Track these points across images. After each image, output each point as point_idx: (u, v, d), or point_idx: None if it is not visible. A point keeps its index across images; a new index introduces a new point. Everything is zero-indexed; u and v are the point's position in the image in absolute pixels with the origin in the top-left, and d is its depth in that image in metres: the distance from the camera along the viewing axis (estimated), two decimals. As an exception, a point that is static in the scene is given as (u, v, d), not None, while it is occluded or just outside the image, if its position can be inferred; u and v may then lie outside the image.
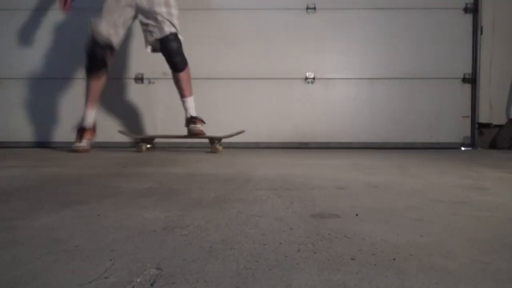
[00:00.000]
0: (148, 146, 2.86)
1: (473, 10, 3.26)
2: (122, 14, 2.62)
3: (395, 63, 3.31)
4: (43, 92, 3.35)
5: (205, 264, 0.64)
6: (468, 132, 3.29)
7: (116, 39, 2.67)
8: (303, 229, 0.84)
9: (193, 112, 2.72)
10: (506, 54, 3.30)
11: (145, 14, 2.62)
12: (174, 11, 2.65)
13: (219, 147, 2.76)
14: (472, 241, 0.77)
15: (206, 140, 2.86)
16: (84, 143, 2.69)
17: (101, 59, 2.66)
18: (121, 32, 2.69)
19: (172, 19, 2.62)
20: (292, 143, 3.28)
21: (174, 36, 2.62)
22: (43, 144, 3.30)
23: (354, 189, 1.33)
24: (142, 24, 2.68)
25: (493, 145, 3.32)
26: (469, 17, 3.27)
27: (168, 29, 2.58)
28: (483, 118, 3.30)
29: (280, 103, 3.32)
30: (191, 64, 3.39)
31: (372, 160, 2.32)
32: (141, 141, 2.85)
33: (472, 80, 3.28)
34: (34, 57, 3.34)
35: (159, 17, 2.58)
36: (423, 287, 0.56)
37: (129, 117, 3.34)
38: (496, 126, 3.32)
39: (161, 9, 2.59)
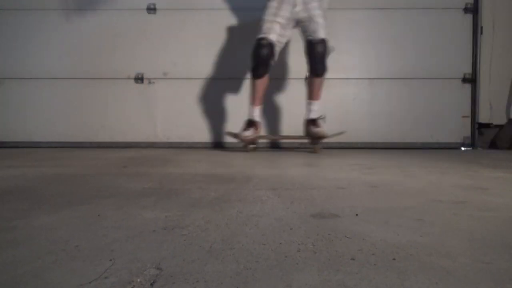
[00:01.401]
0: (254, 146, 2.86)
1: (473, 10, 3.26)
2: (282, 22, 2.68)
3: (395, 63, 3.31)
4: (43, 92, 3.35)
5: (205, 264, 0.64)
6: (468, 132, 3.30)
7: (279, 40, 2.73)
8: (303, 229, 0.84)
9: (315, 115, 2.78)
10: (506, 54, 3.30)
11: (303, 25, 2.71)
12: (324, 13, 2.73)
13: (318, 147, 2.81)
14: (472, 241, 0.77)
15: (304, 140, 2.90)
16: (249, 133, 2.71)
17: (267, 61, 2.70)
18: (286, 33, 2.74)
19: (324, 22, 2.69)
20: (292, 143, 3.28)
21: (324, 43, 2.68)
22: (43, 144, 3.30)
23: (354, 189, 1.33)
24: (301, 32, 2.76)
25: (493, 145, 3.32)
26: (469, 17, 3.28)
27: (320, 34, 2.65)
28: (483, 118, 3.30)
29: (280, 103, 3.32)
30: (192, 64, 3.40)
31: (372, 160, 2.32)
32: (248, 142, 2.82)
33: (472, 80, 3.28)
34: (34, 57, 3.34)
35: (314, 20, 2.65)
36: (423, 287, 0.56)
37: (129, 117, 3.34)
38: (496, 126, 3.32)
39: (317, 12, 2.67)
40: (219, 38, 3.31)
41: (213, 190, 1.29)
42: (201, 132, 3.31)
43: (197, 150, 3.06)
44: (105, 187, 1.37)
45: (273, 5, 2.68)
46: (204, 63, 3.30)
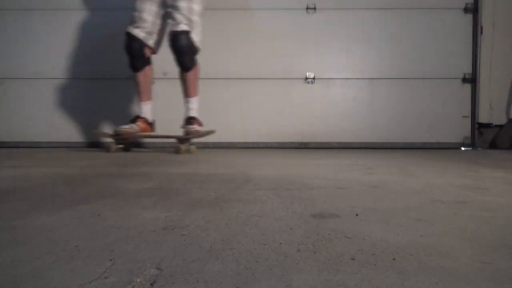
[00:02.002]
0: (120, 146, 2.80)
1: (473, 10, 3.26)
2: (151, 9, 2.60)
3: (395, 63, 3.31)
4: (43, 92, 3.35)
5: (205, 264, 0.64)
6: (468, 132, 3.30)
7: (152, 36, 2.66)
8: (303, 229, 0.84)
9: (193, 113, 2.71)
10: (506, 54, 3.30)
11: (167, 7, 2.60)
12: (196, 7, 2.61)
13: (189, 147, 2.71)
14: (472, 241, 0.77)
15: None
16: (128, 126, 2.66)
17: (140, 53, 2.65)
18: (154, 29, 2.66)
19: (191, 16, 2.57)
20: (292, 143, 3.28)
21: (186, 34, 2.56)
22: (43, 144, 3.30)
23: (354, 189, 1.33)
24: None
25: (493, 145, 3.32)
26: (469, 17, 3.28)
27: (181, 26, 2.54)
28: (483, 118, 3.30)
29: (280, 103, 3.32)
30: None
31: (372, 160, 2.32)
32: (114, 141, 2.78)
33: (472, 80, 3.28)
34: (34, 57, 3.35)
35: (177, 13, 2.54)
36: (423, 287, 0.56)
37: (129, 117, 3.34)
38: (496, 126, 3.32)
39: (182, 4, 2.54)
40: (219, 38, 3.31)
41: (213, 190, 1.29)
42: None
43: (197, 150, 3.05)
44: (105, 187, 1.37)
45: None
46: (203, 63, 3.30)
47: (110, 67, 3.34)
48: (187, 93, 2.71)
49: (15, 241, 0.76)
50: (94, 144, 3.31)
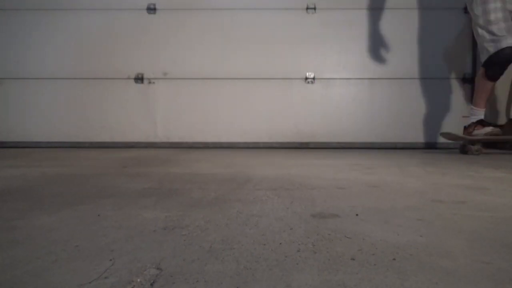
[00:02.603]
0: (478, 147, 2.75)
1: (473, 10, 3.26)
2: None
3: (395, 63, 3.31)
4: (43, 92, 3.35)
5: (205, 264, 0.64)
6: (468, 132, 3.29)
7: None
8: (303, 229, 0.84)
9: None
10: (506, 54, 3.30)
11: None
12: None
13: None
14: (472, 241, 0.77)
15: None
16: (490, 128, 2.66)
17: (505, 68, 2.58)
18: None
19: None
20: (292, 143, 3.28)
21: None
22: (43, 144, 3.30)
23: (354, 189, 1.33)
24: None
25: (493, 145, 3.31)
26: (469, 17, 3.27)
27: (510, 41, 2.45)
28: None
29: (280, 103, 3.32)
30: (192, 64, 3.40)
31: (372, 160, 2.32)
32: (468, 143, 2.75)
33: (472, 80, 3.28)
34: (34, 57, 3.35)
35: None
36: (423, 287, 0.56)
37: (129, 117, 3.34)
38: (496, 126, 3.31)
39: None
40: (219, 38, 3.31)
41: (213, 190, 1.29)
42: (201, 132, 3.31)
43: (197, 150, 3.06)
44: (105, 187, 1.37)
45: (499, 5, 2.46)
46: (204, 63, 3.30)
47: (110, 67, 3.34)
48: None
49: (15, 241, 0.76)
50: (94, 144, 3.31)
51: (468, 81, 3.29)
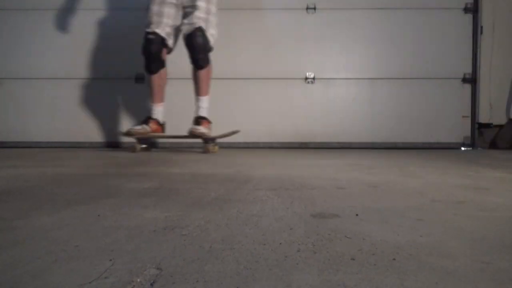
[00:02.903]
0: (144, 146, 2.81)
1: (473, 10, 3.26)
2: (170, 11, 2.62)
3: (395, 63, 3.31)
4: (43, 92, 3.35)
5: (205, 264, 0.64)
6: (468, 132, 3.30)
7: (170, 37, 2.65)
8: (303, 229, 0.84)
9: (203, 113, 2.70)
10: (506, 54, 3.30)
11: (185, 8, 2.62)
12: (213, 8, 2.65)
13: (213, 147, 2.72)
14: (472, 241, 0.77)
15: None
16: (140, 127, 2.66)
17: (157, 56, 2.64)
18: (171, 30, 2.67)
19: (208, 16, 2.61)
20: (292, 143, 3.28)
21: (201, 32, 2.57)
22: (43, 144, 3.30)
23: (354, 189, 1.33)
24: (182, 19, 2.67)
25: (493, 145, 3.32)
26: (469, 17, 3.28)
27: (197, 24, 2.55)
28: (483, 118, 3.30)
29: (280, 103, 3.32)
30: (191, 64, 3.39)
31: (372, 160, 2.32)
32: (137, 141, 2.79)
33: (472, 80, 3.28)
34: (34, 57, 3.35)
35: (195, 12, 2.56)
36: (423, 287, 0.56)
37: (129, 117, 3.34)
38: (496, 126, 3.32)
39: (201, 4, 2.57)
40: (219, 38, 3.31)
41: (213, 190, 1.29)
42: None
43: (198, 150, 3.06)
44: (105, 187, 1.37)
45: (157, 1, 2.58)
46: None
47: (110, 67, 3.34)
48: (199, 92, 2.70)
49: (15, 241, 0.76)
50: (94, 144, 3.31)
51: (468, 81, 3.29)
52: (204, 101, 2.70)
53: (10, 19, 3.34)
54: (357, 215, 0.97)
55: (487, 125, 3.31)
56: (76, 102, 3.36)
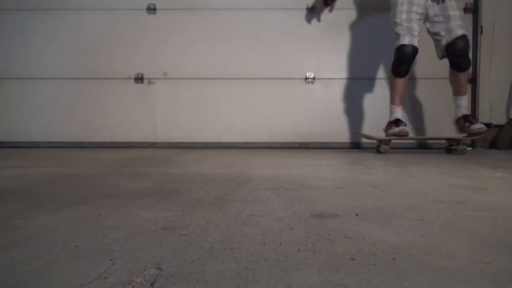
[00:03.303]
0: (386, 147, 2.78)
1: (473, 10, 3.26)
2: (416, 18, 2.66)
3: (395, 63, 3.30)
4: (43, 92, 3.35)
5: (205, 264, 0.64)
6: (468, 132, 3.29)
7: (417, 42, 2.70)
8: (303, 229, 0.84)
9: (465, 111, 2.76)
10: (506, 54, 3.30)
11: (433, 22, 2.68)
12: (462, 13, 2.72)
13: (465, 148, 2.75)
14: (472, 241, 0.77)
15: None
16: (402, 127, 2.72)
17: (410, 63, 2.71)
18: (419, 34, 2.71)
19: (463, 22, 2.66)
20: (292, 143, 3.28)
21: (466, 38, 2.64)
22: (43, 144, 3.30)
23: (354, 189, 1.33)
24: (429, 32, 2.73)
25: (493, 145, 3.32)
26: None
27: (461, 31, 2.61)
28: (483, 118, 3.30)
29: (280, 103, 3.32)
30: (192, 64, 3.40)
31: (372, 160, 2.32)
32: (381, 143, 2.78)
33: (472, 80, 3.28)
34: (34, 57, 3.35)
35: (453, 19, 2.62)
36: (423, 287, 0.56)
37: (129, 117, 3.34)
38: (496, 126, 3.32)
39: (456, 12, 2.63)
40: (219, 38, 3.31)
41: (213, 190, 1.29)
42: (201, 132, 3.30)
43: (197, 150, 3.06)
44: (105, 187, 1.37)
45: (403, 3, 2.64)
46: (204, 63, 3.30)
47: (110, 67, 3.34)
48: (460, 92, 2.76)
49: (15, 241, 0.76)
50: (94, 144, 3.31)
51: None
52: (465, 100, 2.79)
53: (10, 19, 3.33)
54: (357, 215, 0.97)
55: (487, 125, 3.30)
56: (76, 102, 3.36)
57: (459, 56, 2.65)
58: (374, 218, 0.94)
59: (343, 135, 3.31)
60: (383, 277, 0.59)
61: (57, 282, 0.57)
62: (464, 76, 2.74)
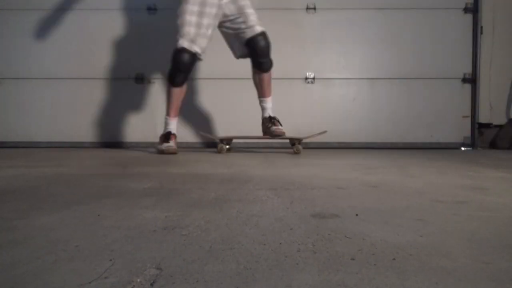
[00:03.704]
0: (227, 146, 2.81)
1: (473, 10, 3.26)
2: (209, 22, 2.56)
3: (395, 63, 3.31)
4: (43, 92, 3.35)
5: (205, 264, 0.64)
6: (468, 132, 3.30)
7: (203, 49, 2.60)
8: (303, 229, 0.84)
9: (271, 113, 2.72)
10: (506, 54, 3.30)
11: (232, 19, 2.60)
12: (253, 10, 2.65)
13: (300, 148, 2.73)
14: (472, 241, 0.77)
15: (279, 141, 2.87)
16: (172, 144, 2.63)
17: (188, 70, 2.60)
18: (208, 42, 2.62)
19: (258, 20, 2.60)
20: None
21: (264, 35, 2.59)
22: (43, 144, 3.30)
23: (354, 189, 1.33)
24: (229, 29, 2.65)
25: (493, 145, 3.32)
26: (469, 17, 3.28)
27: (258, 28, 2.56)
28: (483, 118, 3.30)
29: (280, 103, 3.32)
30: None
31: (372, 160, 2.32)
32: (220, 142, 2.78)
33: (472, 80, 3.28)
34: (34, 57, 3.35)
35: (249, 17, 2.55)
36: (423, 287, 0.56)
37: (129, 117, 3.34)
38: (496, 126, 3.32)
39: (250, 10, 2.58)
40: (219, 38, 3.31)
41: (213, 190, 1.29)
42: (201, 132, 3.30)
43: (197, 150, 3.06)
44: (105, 187, 1.37)
45: (194, 1, 2.50)
46: (203, 63, 3.30)
47: (110, 67, 3.34)
48: (264, 93, 2.71)
49: (15, 241, 0.76)
50: (94, 144, 3.32)
51: (468, 81, 3.29)
52: (270, 101, 2.73)
53: (10, 19, 3.33)
54: (357, 215, 0.97)
55: (487, 125, 3.31)
56: (76, 102, 3.36)
57: (261, 56, 2.57)
58: (374, 218, 0.94)
59: (344, 135, 3.31)
60: (383, 277, 0.59)
61: (57, 282, 0.57)
62: (267, 76, 2.67)
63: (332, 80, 3.32)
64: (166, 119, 2.70)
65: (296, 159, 2.34)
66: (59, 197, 1.20)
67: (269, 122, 2.68)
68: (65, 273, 0.61)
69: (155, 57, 3.32)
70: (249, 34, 2.56)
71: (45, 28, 3.33)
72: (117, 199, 1.16)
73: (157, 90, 3.34)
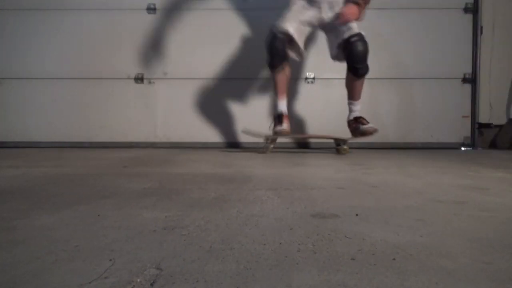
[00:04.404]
0: (272, 146, 2.74)
1: (473, 10, 3.26)
2: (306, 20, 2.58)
3: (395, 63, 3.31)
4: (43, 92, 3.35)
5: (205, 264, 0.64)
6: (468, 132, 3.29)
7: (298, 34, 2.56)
8: (303, 229, 0.84)
9: (358, 115, 2.68)
10: (506, 54, 3.30)
11: (329, 27, 2.61)
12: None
13: (347, 148, 2.71)
14: (472, 241, 0.77)
15: (322, 141, 2.88)
16: (285, 126, 2.58)
17: (282, 52, 2.56)
18: (305, 30, 2.61)
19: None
20: (292, 143, 3.28)
21: (362, 38, 2.51)
22: (43, 144, 3.30)
23: (354, 189, 1.33)
24: (328, 30, 2.66)
25: (493, 145, 3.32)
26: (469, 17, 3.27)
27: (356, 31, 2.49)
28: (483, 118, 3.30)
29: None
30: (192, 64, 3.39)
31: (372, 160, 2.32)
32: (268, 142, 2.72)
33: (472, 80, 3.28)
34: (34, 57, 3.34)
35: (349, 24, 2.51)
36: (423, 287, 0.56)
37: (129, 117, 3.34)
38: (496, 126, 3.32)
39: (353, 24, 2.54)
40: (219, 38, 3.31)
41: (213, 190, 1.29)
42: (201, 132, 3.30)
43: (197, 150, 3.06)
44: (105, 187, 1.37)
45: (295, 8, 2.59)
46: (204, 63, 3.30)
47: (110, 67, 3.34)
48: (354, 97, 2.67)
49: (15, 241, 0.76)
50: (94, 144, 3.32)
51: (468, 81, 3.29)
52: (358, 104, 2.69)
53: (10, 19, 3.33)
54: (357, 215, 0.97)
55: (487, 125, 3.30)
56: (76, 102, 3.36)
57: (357, 61, 2.53)
58: (374, 218, 0.94)
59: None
60: (383, 277, 0.59)
61: (57, 282, 0.57)
62: (361, 81, 2.63)
63: (332, 80, 3.31)
64: (275, 100, 2.71)
65: (296, 159, 2.34)
66: (59, 197, 1.20)
67: (355, 123, 2.66)
68: (65, 273, 0.61)
69: (155, 57, 3.32)
70: (346, 34, 2.51)
71: (45, 28, 3.33)
72: (117, 199, 1.16)
73: (157, 90, 3.34)
